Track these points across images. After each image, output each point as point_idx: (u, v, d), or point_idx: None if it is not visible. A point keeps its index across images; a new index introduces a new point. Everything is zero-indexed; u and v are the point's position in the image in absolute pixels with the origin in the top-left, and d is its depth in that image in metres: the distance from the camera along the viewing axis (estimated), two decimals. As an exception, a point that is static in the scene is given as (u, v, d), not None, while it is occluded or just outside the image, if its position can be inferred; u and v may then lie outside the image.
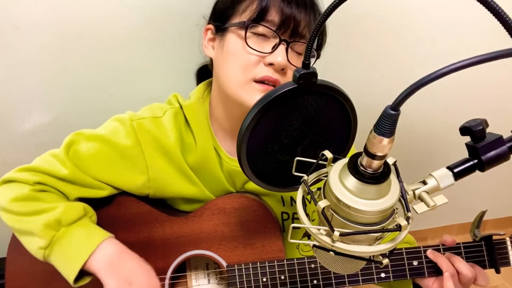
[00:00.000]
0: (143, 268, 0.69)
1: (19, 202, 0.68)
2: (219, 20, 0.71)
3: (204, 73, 0.88)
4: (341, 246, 0.37)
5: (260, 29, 0.66)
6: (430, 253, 0.75)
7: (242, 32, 0.66)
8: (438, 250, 0.76)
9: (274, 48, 0.66)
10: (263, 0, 0.65)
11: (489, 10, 0.27)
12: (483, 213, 0.77)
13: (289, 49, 0.66)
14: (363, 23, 1.04)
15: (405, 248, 0.76)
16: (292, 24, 0.65)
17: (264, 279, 0.76)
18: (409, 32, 1.09)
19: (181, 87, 0.88)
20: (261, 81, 0.66)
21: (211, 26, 0.74)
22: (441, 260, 0.72)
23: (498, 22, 0.28)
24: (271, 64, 0.65)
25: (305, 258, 0.77)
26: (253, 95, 0.66)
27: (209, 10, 0.76)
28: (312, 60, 0.74)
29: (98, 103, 1.00)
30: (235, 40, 0.68)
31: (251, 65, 0.66)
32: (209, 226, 0.78)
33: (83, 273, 0.68)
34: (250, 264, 0.76)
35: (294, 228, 0.39)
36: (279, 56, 0.65)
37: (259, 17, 0.65)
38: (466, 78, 1.22)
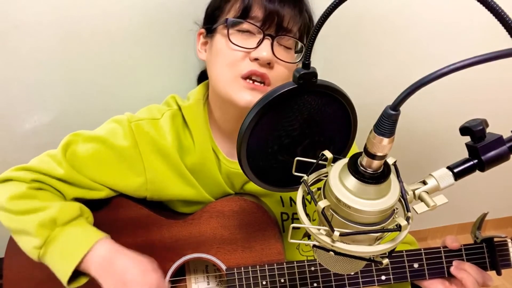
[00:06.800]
0: (138, 265, 0.67)
1: (16, 200, 0.68)
2: (209, 22, 0.73)
3: (205, 78, 0.88)
4: (341, 246, 0.37)
5: (244, 25, 0.67)
6: (454, 270, 0.73)
7: (226, 31, 0.67)
8: (439, 252, 0.75)
9: (259, 43, 0.66)
10: None
11: (489, 10, 0.27)
12: (484, 215, 0.77)
13: (276, 44, 0.67)
14: (363, 23, 1.04)
15: (406, 251, 0.76)
16: (276, 19, 0.66)
17: (264, 282, 0.76)
18: (409, 32, 1.09)
19: (181, 87, 0.88)
20: (247, 78, 0.66)
21: (203, 30, 0.76)
22: (467, 279, 0.70)
23: (498, 22, 0.28)
24: (256, 59, 0.66)
25: (305, 261, 0.76)
26: (240, 92, 0.66)
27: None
28: (300, 54, 0.74)
29: (98, 103, 0.99)
30: (221, 39, 0.69)
31: (237, 61, 0.67)
32: (207, 229, 0.78)
33: (79, 273, 0.67)
34: (250, 267, 0.76)
35: (294, 228, 0.39)
36: (264, 51, 0.65)
37: (243, 15, 0.67)
38: (466, 78, 1.22)
